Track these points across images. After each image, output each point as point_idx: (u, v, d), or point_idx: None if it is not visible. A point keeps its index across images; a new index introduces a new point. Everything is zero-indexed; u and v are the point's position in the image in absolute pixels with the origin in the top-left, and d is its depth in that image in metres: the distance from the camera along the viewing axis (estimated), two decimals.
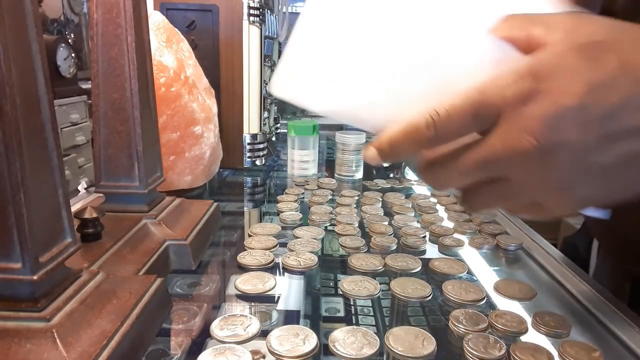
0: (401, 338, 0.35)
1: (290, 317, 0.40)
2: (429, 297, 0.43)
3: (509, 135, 0.27)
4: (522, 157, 0.27)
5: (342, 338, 0.35)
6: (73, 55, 2.42)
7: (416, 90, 0.29)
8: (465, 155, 0.29)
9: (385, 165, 1.00)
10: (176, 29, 0.68)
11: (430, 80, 0.29)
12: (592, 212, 0.32)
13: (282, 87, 0.32)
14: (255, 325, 0.36)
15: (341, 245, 0.54)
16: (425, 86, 0.29)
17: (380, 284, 0.44)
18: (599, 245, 0.58)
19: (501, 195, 0.31)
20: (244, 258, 0.48)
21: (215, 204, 0.58)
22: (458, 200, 0.30)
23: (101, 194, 0.48)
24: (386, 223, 0.61)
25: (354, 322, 0.40)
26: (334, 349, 0.34)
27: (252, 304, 0.42)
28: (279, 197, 0.70)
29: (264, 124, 0.88)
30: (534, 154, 0.26)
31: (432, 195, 0.75)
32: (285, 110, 1.73)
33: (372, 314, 0.42)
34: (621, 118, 0.26)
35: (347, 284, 0.44)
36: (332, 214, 0.64)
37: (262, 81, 0.84)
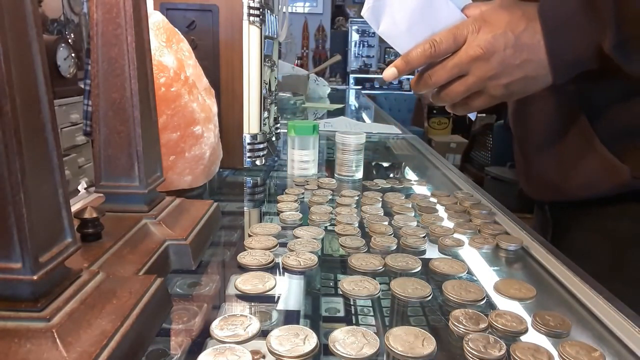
0: (401, 338, 0.35)
1: (290, 317, 0.40)
2: (429, 297, 0.43)
3: (469, 48, 0.53)
4: (476, 59, 0.53)
5: (342, 338, 0.35)
6: (73, 55, 2.42)
7: (423, 34, 0.56)
8: (448, 61, 0.55)
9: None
10: (176, 29, 0.67)
11: (430, 31, 0.56)
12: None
13: (365, 13, 0.58)
14: (255, 325, 0.36)
15: (341, 245, 0.54)
16: (428, 33, 0.56)
17: (380, 284, 0.44)
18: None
19: (462, 85, 0.55)
20: (244, 258, 0.48)
21: (215, 204, 0.58)
22: (433, 97, 0.59)
23: (101, 194, 0.48)
24: (386, 223, 0.61)
25: (354, 322, 0.40)
26: (334, 349, 0.34)
27: (252, 304, 0.42)
28: (279, 197, 0.70)
29: (264, 124, 0.88)
30: (481, 56, 0.52)
31: (432, 195, 0.75)
32: (286, 110, 1.73)
33: (372, 314, 0.42)
34: (523, 37, 0.51)
35: (347, 284, 0.44)
36: (332, 214, 0.64)
37: (262, 81, 0.84)
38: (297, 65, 3.59)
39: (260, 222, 0.63)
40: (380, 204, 0.70)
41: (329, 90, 2.48)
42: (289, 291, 0.45)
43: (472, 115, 0.64)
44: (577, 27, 0.50)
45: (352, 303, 0.43)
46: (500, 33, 0.51)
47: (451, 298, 0.43)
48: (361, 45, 6.22)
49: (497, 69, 0.52)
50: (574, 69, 0.52)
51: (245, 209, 0.73)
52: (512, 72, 0.53)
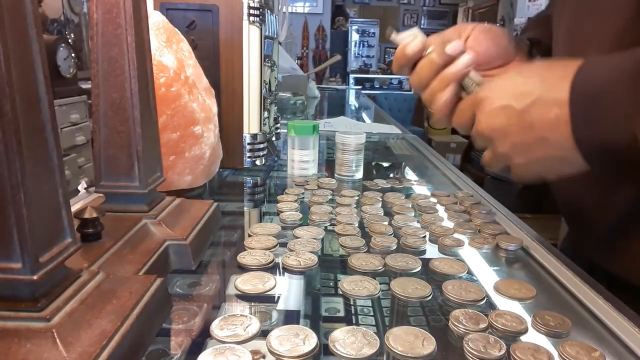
0: (401, 338, 0.35)
1: (290, 317, 0.40)
2: (429, 297, 0.43)
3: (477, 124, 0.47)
4: (480, 136, 0.47)
5: (342, 338, 0.35)
6: (73, 55, 2.42)
7: None
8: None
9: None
10: (176, 29, 0.67)
11: None
12: None
13: None
14: (255, 325, 0.36)
15: (341, 245, 0.54)
16: None
17: (380, 284, 0.44)
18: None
19: (493, 154, 0.47)
20: (244, 258, 0.48)
21: (215, 204, 0.58)
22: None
23: (101, 194, 0.48)
24: (386, 223, 0.61)
25: (354, 322, 0.40)
26: (334, 349, 0.34)
27: (252, 304, 0.42)
28: (279, 197, 0.70)
29: (264, 124, 0.88)
30: (483, 136, 0.47)
31: (432, 195, 0.75)
32: (286, 110, 1.73)
33: (372, 314, 0.42)
34: (533, 112, 0.41)
35: (347, 284, 0.44)
36: (332, 214, 0.64)
37: (262, 81, 0.84)
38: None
39: (260, 222, 0.63)
40: (380, 204, 0.69)
41: (317, 92, 2.51)
42: (289, 291, 0.45)
43: None
44: (611, 104, 0.38)
45: (352, 303, 0.43)
46: (505, 105, 0.44)
47: (451, 298, 0.43)
48: (361, 45, 6.22)
49: (505, 150, 0.45)
50: (605, 157, 0.40)
51: (245, 209, 0.73)
52: (529, 155, 0.43)
